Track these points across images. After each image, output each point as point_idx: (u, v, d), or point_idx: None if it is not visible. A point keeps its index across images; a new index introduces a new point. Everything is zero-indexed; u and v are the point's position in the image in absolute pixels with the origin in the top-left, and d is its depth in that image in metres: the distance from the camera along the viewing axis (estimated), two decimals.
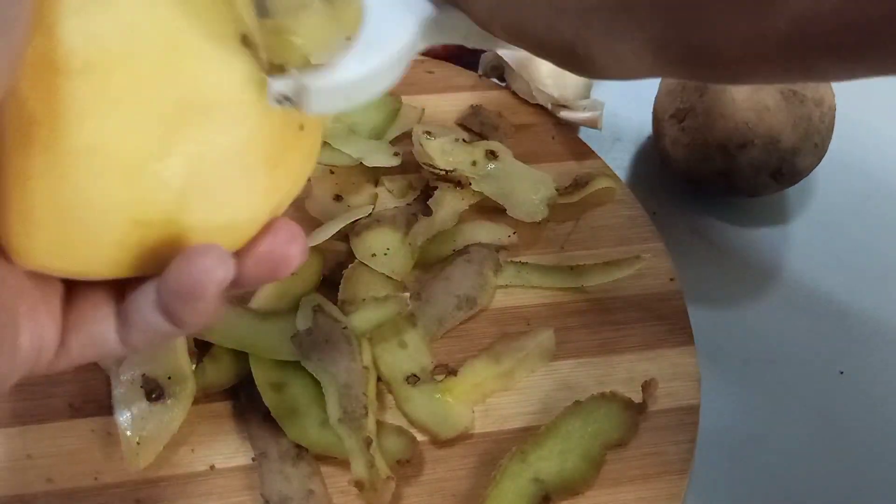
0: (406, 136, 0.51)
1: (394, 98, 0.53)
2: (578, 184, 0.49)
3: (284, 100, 0.24)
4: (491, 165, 0.49)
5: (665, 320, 0.45)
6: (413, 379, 0.40)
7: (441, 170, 0.47)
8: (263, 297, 0.43)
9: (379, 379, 0.41)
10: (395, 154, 0.48)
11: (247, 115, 0.24)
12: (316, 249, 0.44)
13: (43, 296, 0.24)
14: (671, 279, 0.47)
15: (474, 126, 0.53)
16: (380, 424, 0.39)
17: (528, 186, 0.49)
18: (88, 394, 0.39)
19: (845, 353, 0.47)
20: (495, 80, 0.57)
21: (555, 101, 0.54)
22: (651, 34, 0.27)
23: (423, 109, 0.53)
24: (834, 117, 0.50)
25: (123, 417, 0.37)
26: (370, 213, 0.46)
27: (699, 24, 0.26)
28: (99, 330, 0.25)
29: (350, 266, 0.44)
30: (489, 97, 0.55)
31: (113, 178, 0.22)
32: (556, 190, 0.49)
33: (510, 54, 0.54)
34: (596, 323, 0.44)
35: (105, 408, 0.38)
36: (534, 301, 0.45)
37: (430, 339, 0.42)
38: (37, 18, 0.21)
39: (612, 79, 0.30)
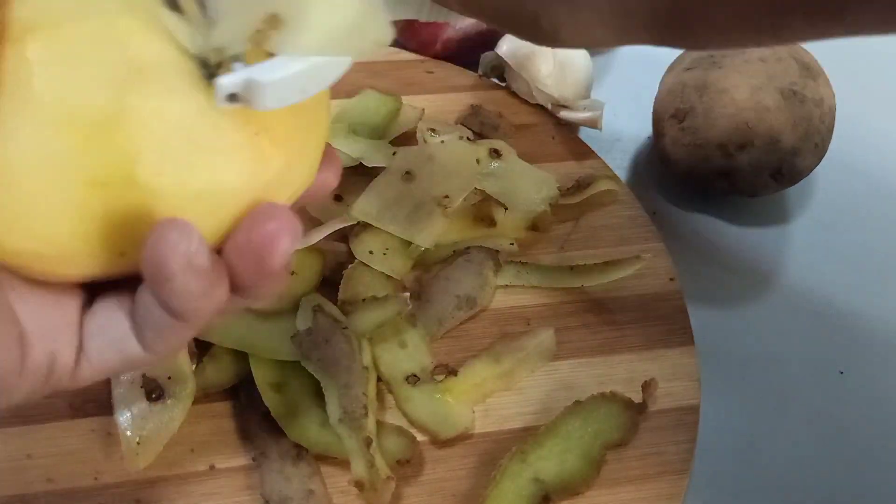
0: (406, 136, 0.51)
1: (394, 98, 0.53)
2: (580, 185, 0.49)
3: (233, 98, 0.22)
4: (494, 164, 0.49)
5: (665, 320, 0.45)
6: (413, 379, 0.40)
7: None
8: None
9: (379, 379, 0.41)
10: (395, 154, 0.48)
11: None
12: (316, 249, 0.44)
13: (56, 302, 0.24)
14: (671, 279, 0.47)
15: (474, 126, 0.53)
16: (380, 424, 0.39)
17: (530, 185, 0.49)
18: (88, 394, 0.39)
19: (845, 353, 0.47)
20: (495, 80, 0.57)
21: (555, 101, 0.54)
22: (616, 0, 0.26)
23: (423, 109, 0.53)
24: (834, 117, 0.50)
25: (123, 417, 0.37)
26: None
27: None
28: (117, 334, 0.24)
29: (350, 266, 0.44)
30: (489, 97, 0.55)
31: (60, 137, 0.21)
32: (559, 190, 0.49)
33: (510, 54, 0.54)
34: (596, 323, 0.44)
35: (105, 408, 0.38)
36: (534, 301, 0.45)
37: (430, 339, 0.42)
38: None
39: (574, 48, 0.29)
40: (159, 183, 0.22)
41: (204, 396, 0.39)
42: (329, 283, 0.43)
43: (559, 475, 0.38)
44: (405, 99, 0.53)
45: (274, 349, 0.40)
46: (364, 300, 0.42)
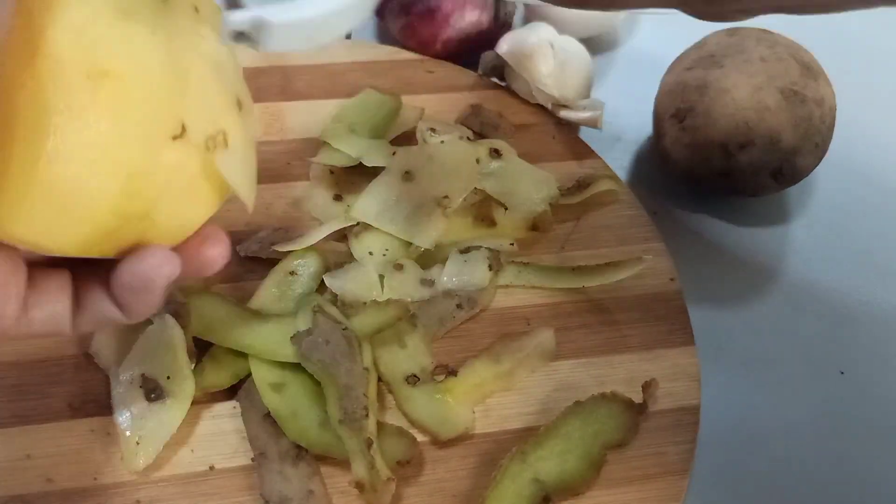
0: (406, 136, 0.51)
1: (394, 98, 0.53)
2: (580, 185, 0.49)
3: (240, 36, 0.23)
4: (494, 164, 0.49)
5: (665, 320, 0.45)
6: (413, 379, 0.40)
7: None
8: (264, 298, 0.43)
9: (379, 379, 0.41)
10: (395, 154, 0.48)
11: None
12: (316, 250, 0.44)
13: (12, 269, 0.26)
14: (671, 279, 0.47)
15: (474, 126, 0.53)
16: (380, 425, 0.39)
17: (530, 185, 0.49)
18: (88, 394, 0.39)
19: (845, 353, 0.47)
20: (495, 80, 0.57)
21: (555, 101, 0.54)
22: None
23: (423, 109, 0.53)
24: (834, 117, 0.50)
25: (123, 417, 0.37)
26: None
27: None
28: (57, 309, 0.27)
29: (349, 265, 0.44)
30: (489, 97, 0.55)
31: (109, 174, 0.24)
32: (559, 190, 0.49)
33: (510, 54, 0.54)
34: (596, 323, 0.44)
35: (105, 408, 0.38)
36: (534, 301, 0.45)
37: (430, 339, 0.42)
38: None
39: (621, 8, 0.31)
40: (160, 217, 0.26)
41: (204, 396, 0.39)
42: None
43: (559, 475, 0.38)
44: (405, 99, 0.53)
45: (274, 350, 0.40)
46: (365, 304, 0.42)
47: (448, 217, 0.46)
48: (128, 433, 0.37)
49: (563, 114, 0.53)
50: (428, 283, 0.44)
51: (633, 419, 0.40)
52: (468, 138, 0.51)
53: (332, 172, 0.48)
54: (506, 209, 0.48)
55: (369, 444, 0.36)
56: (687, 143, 0.50)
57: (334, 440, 0.37)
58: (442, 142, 0.49)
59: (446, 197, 0.46)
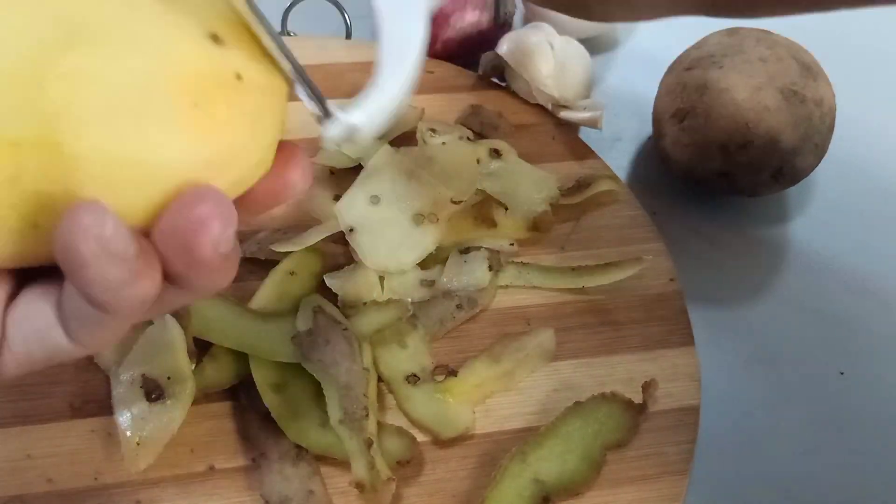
0: (406, 136, 0.51)
1: None
2: (580, 185, 0.49)
3: (341, 142, 0.24)
4: (494, 164, 0.49)
5: (665, 320, 0.45)
6: (413, 379, 0.40)
7: None
8: (264, 298, 0.43)
9: (379, 379, 0.41)
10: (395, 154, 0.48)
11: (150, 39, 0.21)
12: (315, 250, 0.44)
13: None
14: (671, 279, 0.47)
15: (474, 126, 0.53)
16: (380, 425, 0.39)
17: (530, 185, 0.49)
18: (88, 394, 0.39)
19: (845, 353, 0.47)
20: (495, 80, 0.57)
21: (555, 101, 0.54)
22: None
23: (423, 109, 0.53)
24: (834, 117, 0.50)
25: (123, 418, 0.37)
26: None
27: None
28: (41, 324, 0.22)
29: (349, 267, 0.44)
30: (489, 97, 0.55)
31: None
32: (559, 190, 0.49)
33: (510, 54, 0.54)
34: (596, 323, 0.44)
35: (105, 408, 0.38)
36: (534, 301, 0.45)
37: (430, 339, 0.42)
38: None
39: (624, 21, 0.30)
40: (80, 147, 0.20)
41: (204, 397, 0.39)
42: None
43: (559, 476, 0.38)
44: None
45: (274, 350, 0.40)
46: (365, 304, 0.42)
47: (440, 225, 0.46)
48: (128, 433, 0.37)
49: (563, 114, 0.53)
50: (428, 283, 0.44)
51: (632, 419, 0.40)
52: (468, 138, 0.51)
53: (332, 173, 0.48)
54: (506, 209, 0.48)
55: (369, 444, 0.37)
56: (687, 144, 0.50)
57: (334, 440, 0.37)
58: (443, 143, 0.49)
59: (432, 213, 0.46)
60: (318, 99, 0.26)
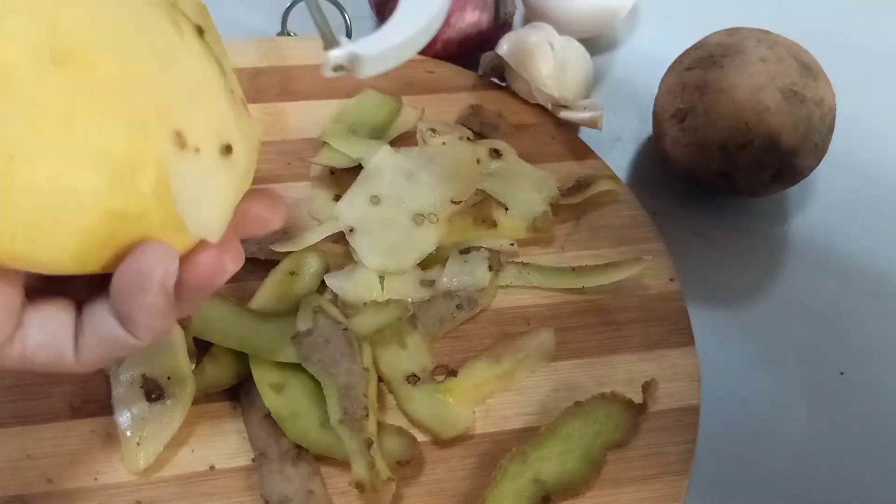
0: (406, 137, 0.51)
1: (394, 98, 0.53)
2: (580, 185, 0.49)
3: (339, 68, 0.26)
4: (494, 164, 0.49)
5: (665, 320, 0.45)
6: (413, 379, 0.40)
7: None
8: (264, 298, 0.43)
9: (379, 379, 0.41)
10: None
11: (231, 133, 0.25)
12: (316, 251, 0.44)
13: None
14: (671, 279, 0.47)
15: (474, 126, 0.53)
16: (380, 425, 0.39)
17: (530, 186, 0.49)
18: (88, 394, 0.39)
19: (845, 353, 0.47)
20: (495, 80, 0.57)
21: (555, 101, 0.54)
22: None
23: (423, 109, 0.53)
24: (834, 117, 0.50)
25: (123, 418, 0.37)
26: None
27: None
28: (57, 331, 0.25)
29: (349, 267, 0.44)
30: (489, 97, 0.55)
31: (97, 168, 0.22)
32: (559, 190, 0.49)
33: (510, 54, 0.54)
34: (596, 323, 0.44)
35: (105, 408, 0.38)
36: (534, 301, 0.45)
37: (430, 339, 0.42)
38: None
39: None
40: (158, 218, 0.24)
41: (204, 397, 0.39)
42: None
43: (559, 476, 0.38)
44: (405, 99, 0.53)
45: (274, 350, 0.40)
46: (365, 304, 0.42)
47: (439, 226, 0.46)
48: (128, 433, 0.37)
49: (563, 114, 0.53)
50: (428, 283, 0.44)
51: (632, 419, 0.40)
52: (468, 139, 0.51)
53: (332, 173, 0.48)
54: (506, 209, 0.48)
55: (369, 444, 0.37)
56: (687, 144, 0.50)
57: (334, 440, 0.37)
58: (443, 143, 0.49)
59: (432, 213, 0.46)
60: (324, 24, 0.29)
